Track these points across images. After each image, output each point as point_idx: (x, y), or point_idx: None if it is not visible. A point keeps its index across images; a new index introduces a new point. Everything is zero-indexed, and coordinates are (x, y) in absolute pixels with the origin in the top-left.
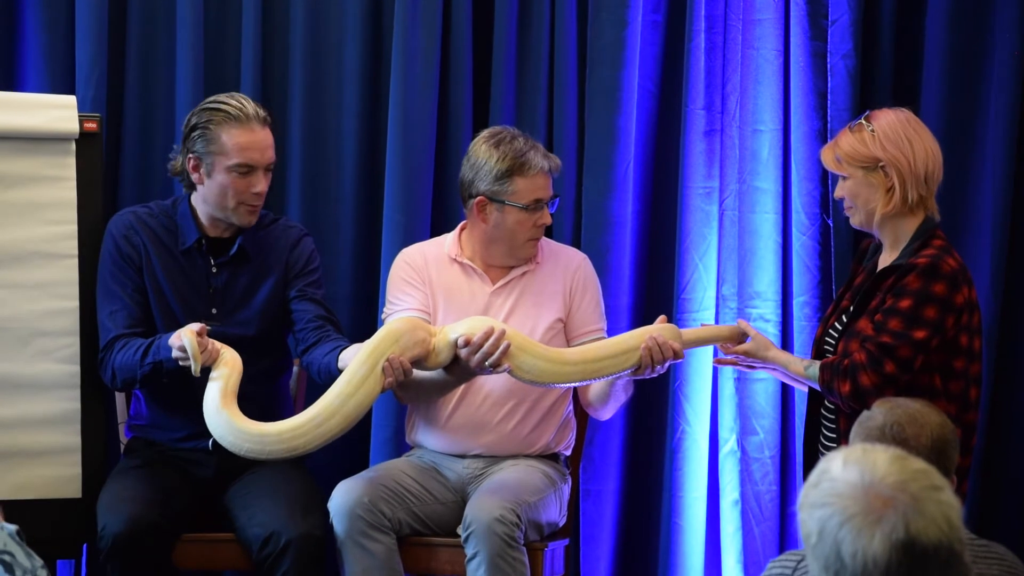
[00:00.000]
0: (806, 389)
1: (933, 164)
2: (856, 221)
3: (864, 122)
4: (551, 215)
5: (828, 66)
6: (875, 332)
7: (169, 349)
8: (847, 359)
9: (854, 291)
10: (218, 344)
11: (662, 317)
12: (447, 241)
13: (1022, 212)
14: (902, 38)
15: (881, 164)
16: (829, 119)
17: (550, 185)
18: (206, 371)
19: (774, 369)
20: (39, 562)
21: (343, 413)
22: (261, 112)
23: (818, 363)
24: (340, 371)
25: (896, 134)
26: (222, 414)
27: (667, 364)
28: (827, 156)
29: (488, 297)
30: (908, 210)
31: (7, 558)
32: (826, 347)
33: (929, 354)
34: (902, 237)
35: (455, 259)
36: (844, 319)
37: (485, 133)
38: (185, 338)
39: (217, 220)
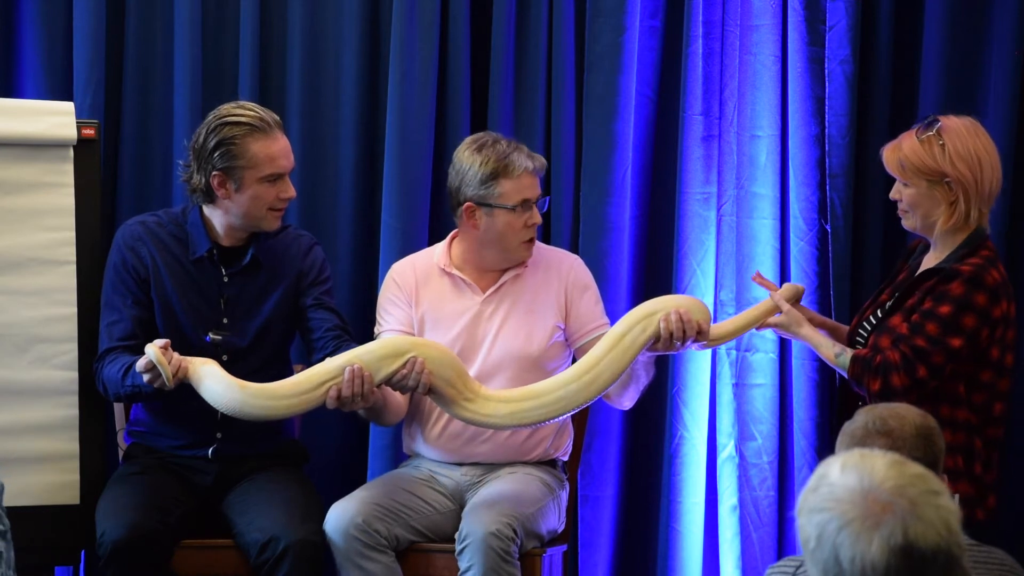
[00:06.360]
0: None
1: (998, 180)
2: (909, 225)
3: (935, 134)
4: (541, 215)
5: (826, 71)
6: (910, 333)
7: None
8: (880, 355)
9: (895, 287)
10: (185, 357)
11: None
12: (437, 252)
13: (1021, 217)
14: (900, 43)
15: (947, 180)
16: (827, 124)
17: (538, 184)
18: (183, 386)
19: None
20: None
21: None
22: (275, 117)
23: (850, 352)
24: None
25: (968, 151)
26: (247, 390)
27: (689, 343)
28: (890, 159)
29: (478, 306)
30: (967, 224)
31: None
32: (858, 340)
33: (960, 362)
34: (952, 244)
35: (444, 270)
36: (879, 313)
37: (467, 140)
38: (149, 351)
39: (236, 229)
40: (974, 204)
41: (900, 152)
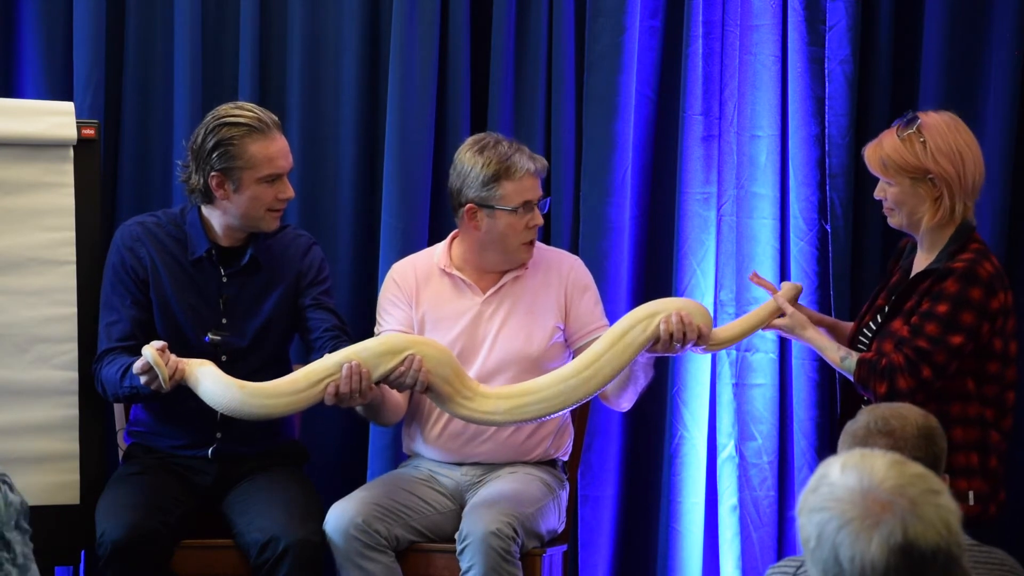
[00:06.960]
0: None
1: (981, 174)
2: (895, 223)
3: (915, 132)
4: (542, 216)
5: (826, 71)
6: (911, 335)
7: None
8: (885, 359)
9: (889, 291)
10: (182, 359)
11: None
12: (437, 252)
13: (1021, 216)
14: (900, 43)
15: (930, 176)
16: (827, 124)
17: (539, 186)
18: (182, 386)
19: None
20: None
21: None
22: (274, 117)
23: (855, 356)
24: None
25: (949, 147)
26: (245, 389)
27: (689, 346)
28: (872, 158)
29: (479, 307)
30: (952, 219)
31: None
32: (860, 346)
33: (964, 358)
34: (939, 240)
35: (444, 270)
36: (879, 318)
37: (469, 140)
38: (146, 353)
39: (234, 230)
40: (959, 199)
41: (881, 151)
